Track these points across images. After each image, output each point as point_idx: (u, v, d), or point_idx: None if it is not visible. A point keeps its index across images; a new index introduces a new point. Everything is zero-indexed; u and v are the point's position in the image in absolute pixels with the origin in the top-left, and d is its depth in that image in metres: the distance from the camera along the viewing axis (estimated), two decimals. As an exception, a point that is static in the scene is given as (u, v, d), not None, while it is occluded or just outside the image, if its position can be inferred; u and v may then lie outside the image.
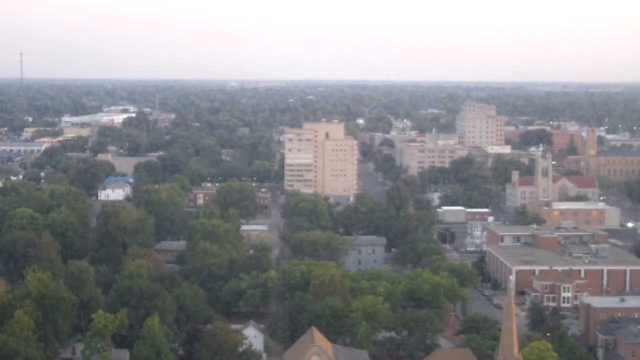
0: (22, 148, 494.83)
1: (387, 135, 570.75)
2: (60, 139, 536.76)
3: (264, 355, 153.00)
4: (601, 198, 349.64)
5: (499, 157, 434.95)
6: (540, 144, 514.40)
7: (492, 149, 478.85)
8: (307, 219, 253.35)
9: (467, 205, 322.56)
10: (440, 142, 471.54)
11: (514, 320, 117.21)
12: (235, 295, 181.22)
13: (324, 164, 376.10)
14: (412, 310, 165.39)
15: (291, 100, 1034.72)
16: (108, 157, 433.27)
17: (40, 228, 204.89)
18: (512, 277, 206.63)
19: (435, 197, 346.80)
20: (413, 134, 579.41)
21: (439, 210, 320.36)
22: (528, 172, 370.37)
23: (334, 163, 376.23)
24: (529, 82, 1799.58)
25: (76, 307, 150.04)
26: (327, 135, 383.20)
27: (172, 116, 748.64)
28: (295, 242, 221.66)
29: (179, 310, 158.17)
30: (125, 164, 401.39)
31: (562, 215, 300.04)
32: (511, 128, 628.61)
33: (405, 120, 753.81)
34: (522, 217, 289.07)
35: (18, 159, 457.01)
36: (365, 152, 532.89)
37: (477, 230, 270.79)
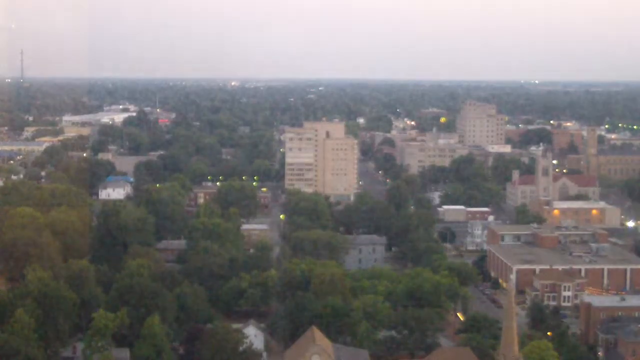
0: (22, 147, 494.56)
1: (388, 135, 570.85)
2: (60, 138, 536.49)
3: (264, 354, 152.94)
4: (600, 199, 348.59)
5: (499, 156, 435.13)
6: (541, 143, 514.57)
7: (492, 148, 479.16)
8: (308, 218, 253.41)
9: (468, 204, 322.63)
10: (441, 141, 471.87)
11: (514, 319, 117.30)
12: (235, 294, 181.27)
13: (324, 163, 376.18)
14: (412, 309, 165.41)
15: (292, 99, 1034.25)
16: (109, 156, 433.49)
17: (40, 227, 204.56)
18: (513, 276, 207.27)
19: (435, 196, 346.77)
20: (414, 133, 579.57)
21: (439, 209, 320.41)
22: (528, 171, 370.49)
23: (334, 162, 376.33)
24: (530, 81, 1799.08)
25: (77, 306, 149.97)
26: (327, 135, 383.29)
27: (173, 115, 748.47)
28: (296, 241, 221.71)
29: (180, 310, 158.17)
30: (126, 163, 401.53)
31: (563, 215, 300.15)
32: (512, 127, 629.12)
33: (405, 120, 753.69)
34: (523, 216, 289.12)
35: (19, 158, 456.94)
36: (366, 151, 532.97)
37: (478, 230, 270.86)
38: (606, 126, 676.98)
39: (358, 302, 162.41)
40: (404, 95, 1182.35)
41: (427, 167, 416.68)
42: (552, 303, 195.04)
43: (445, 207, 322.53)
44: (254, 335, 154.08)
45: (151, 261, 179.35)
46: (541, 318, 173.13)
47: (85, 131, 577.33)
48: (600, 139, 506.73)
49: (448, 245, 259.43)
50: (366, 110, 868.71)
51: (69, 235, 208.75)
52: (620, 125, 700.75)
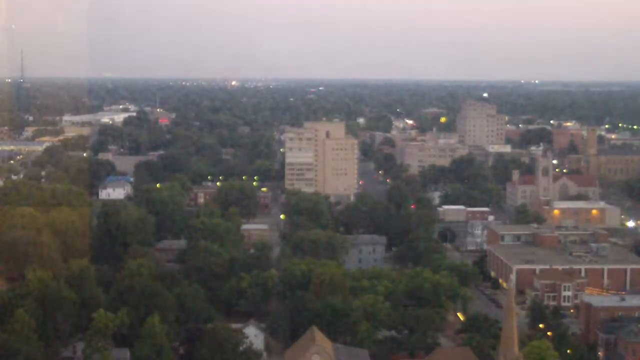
0: (22, 147, 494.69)
1: (388, 135, 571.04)
2: (61, 138, 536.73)
3: (264, 354, 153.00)
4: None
5: (499, 156, 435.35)
6: (541, 143, 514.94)
7: (492, 148, 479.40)
8: (308, 218, 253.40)
9: (468, 204, 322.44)
10: (441, 141, 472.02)
11: (514, 319, 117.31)
12: (235, 294, 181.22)
13: (324, 163, 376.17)
14: (412, 309, 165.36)
15: (292, 99, 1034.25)
16: (109, 156, 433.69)
17: (40, 227, 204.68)
18: (513, 276, 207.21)
19: (435, 196, 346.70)
20: (414, 133, 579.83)
21: (439, 209, 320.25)
22: (528, 171, 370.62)
23: (334, 162, 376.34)
24: (530, 81, 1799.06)
25: (77, 306, 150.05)
26: (327, 135, 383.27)
27: (173, 115, 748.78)
28: (296, 241, 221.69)
29: (180, 309, 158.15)
30: (126, 163, 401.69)
31: (563, 215, 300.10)
32: (512, 127, 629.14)
33: (405, 120, 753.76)
34: (523, 216, 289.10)
35: (19, 158, 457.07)
36: (366, 151, 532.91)
37: (478, 230, 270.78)
38: (606, 126, 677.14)
39: (358, 302, 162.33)
40: (404, 95, 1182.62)
41: (427, 167, 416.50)
42: (552, 303, 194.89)
43: (445, 207, 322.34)
44: (254, 335, 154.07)
45: (151, 261, 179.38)
46: (541, 318, 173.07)
47: (85, 131, 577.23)
48: (600, 139, 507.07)
49: (448, 245, 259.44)
50: (366, 110, 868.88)
51: (69, 235, 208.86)
52: (620, 125, 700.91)
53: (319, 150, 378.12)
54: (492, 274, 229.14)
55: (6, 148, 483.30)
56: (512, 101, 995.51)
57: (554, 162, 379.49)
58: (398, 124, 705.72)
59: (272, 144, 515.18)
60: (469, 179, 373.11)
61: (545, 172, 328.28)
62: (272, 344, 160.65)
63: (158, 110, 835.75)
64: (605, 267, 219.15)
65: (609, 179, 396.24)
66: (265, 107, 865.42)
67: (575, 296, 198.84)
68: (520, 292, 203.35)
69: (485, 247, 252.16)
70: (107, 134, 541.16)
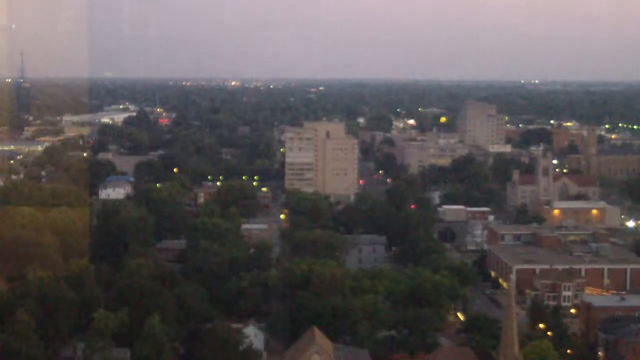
0: (22, 147, 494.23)
1: (388, 135, 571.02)
2: (61, 138, 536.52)
3: (264, 354, 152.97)
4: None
5: (499, 156, 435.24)
6: (541, 143, 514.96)
7: (492, 148, 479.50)
8: (308, 218, 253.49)
9: (468, 204, 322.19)
10: (441, 141, 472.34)
11: (514, 319, 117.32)
12: (235, 294, 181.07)
13: (324, 163, 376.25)
14: (412, 309, 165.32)
15: (292, 99, 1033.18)
16: (109, 156, 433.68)
17: (40, 227, 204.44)
18: (513, 276, 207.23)
19: (435, 196, 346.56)
20: (414, 133, 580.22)
21: (439, 209, 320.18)
22: (528, 171, 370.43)
23: (334, 162, 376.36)
24: (530, 81, 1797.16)
25: (77, 306, 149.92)
26: (327, 134, 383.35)
27: (173, 115, 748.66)
28: (296, 240, 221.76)
29: (180, 309, 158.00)
30: (126, 163, 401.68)
31: (563, 214, 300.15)
32: (512, 127, 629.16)
33: (405, 120, 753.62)
34: (523, 216, 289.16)
35: (19, 158, 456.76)
36: (366, 151, 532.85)
37: (478, 230, 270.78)
38: (606, 126, 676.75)
39: (358, 302, 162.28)
40: (404, 95, 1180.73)
41: (427, 167, 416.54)
42: (552, 303, 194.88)
43: (445, 207, 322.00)
44: (254, 335, 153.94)
45: (151, 261, 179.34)
46: (541, 318, 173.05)
47: (86, 131, 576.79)
48: (600, 139, 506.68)
49: (448, 245, 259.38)
50: (366, 110, 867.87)
51: (69, 235, 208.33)
52: (620, 125, 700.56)
53: (319, 150, 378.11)
54: (492, 274, 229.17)
55: (6, 148, 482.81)
56: (512, 101, 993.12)
57: (554, 162, 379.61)
58: (398, 124, 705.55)
59: (272, 144, 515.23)
60: (469, 179, 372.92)
61: (545, 172, 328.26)
62: (272, 344, 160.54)
63: (158, 110, 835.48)
64: (605, 267, 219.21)
65: (609, 179, 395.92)
66: (265, 107, 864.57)
67: (575, 296, 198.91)
68: (520, 292, 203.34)
69: (485, 247, 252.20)
70: (107, 134, 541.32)
